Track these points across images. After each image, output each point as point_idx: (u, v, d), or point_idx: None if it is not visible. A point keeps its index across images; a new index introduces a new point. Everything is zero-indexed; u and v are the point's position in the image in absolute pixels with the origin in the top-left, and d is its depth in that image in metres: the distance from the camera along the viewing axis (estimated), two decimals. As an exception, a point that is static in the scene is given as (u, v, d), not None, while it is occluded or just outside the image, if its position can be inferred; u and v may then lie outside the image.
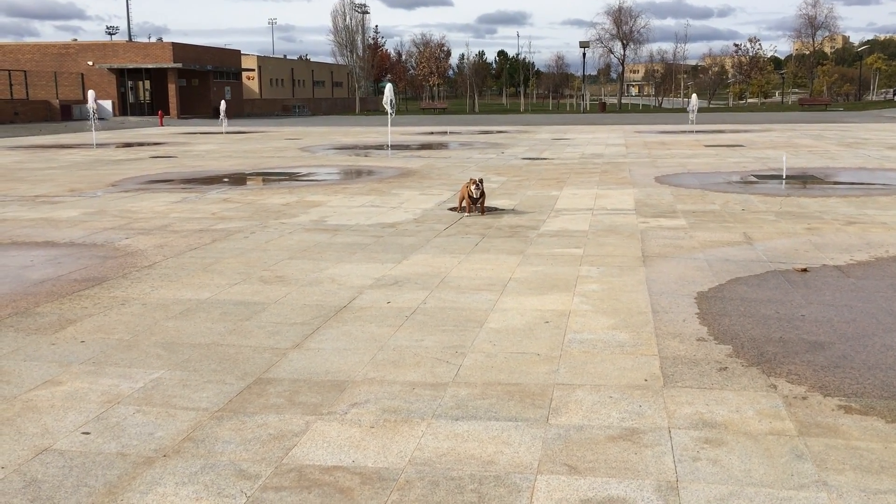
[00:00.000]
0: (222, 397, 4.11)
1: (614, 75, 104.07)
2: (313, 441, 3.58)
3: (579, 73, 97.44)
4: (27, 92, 52.43)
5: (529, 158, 19.70)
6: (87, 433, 3.67)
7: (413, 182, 14.37)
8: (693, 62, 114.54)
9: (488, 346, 4.89)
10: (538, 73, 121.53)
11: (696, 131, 31.48)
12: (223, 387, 4.26)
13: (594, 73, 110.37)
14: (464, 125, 41.18)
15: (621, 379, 4.31)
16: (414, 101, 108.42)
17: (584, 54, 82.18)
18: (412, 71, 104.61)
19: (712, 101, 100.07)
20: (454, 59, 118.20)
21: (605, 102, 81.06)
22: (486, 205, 10.45)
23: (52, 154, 22.30)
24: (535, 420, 3.79)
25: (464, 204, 10.41)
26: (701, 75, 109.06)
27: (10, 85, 50.99)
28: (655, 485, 3.15)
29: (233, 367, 4.57)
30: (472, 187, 10.19)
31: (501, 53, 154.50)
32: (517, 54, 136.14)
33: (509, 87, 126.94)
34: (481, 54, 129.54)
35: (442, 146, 25.44)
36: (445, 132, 33.98)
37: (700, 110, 41.16)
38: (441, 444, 3.54)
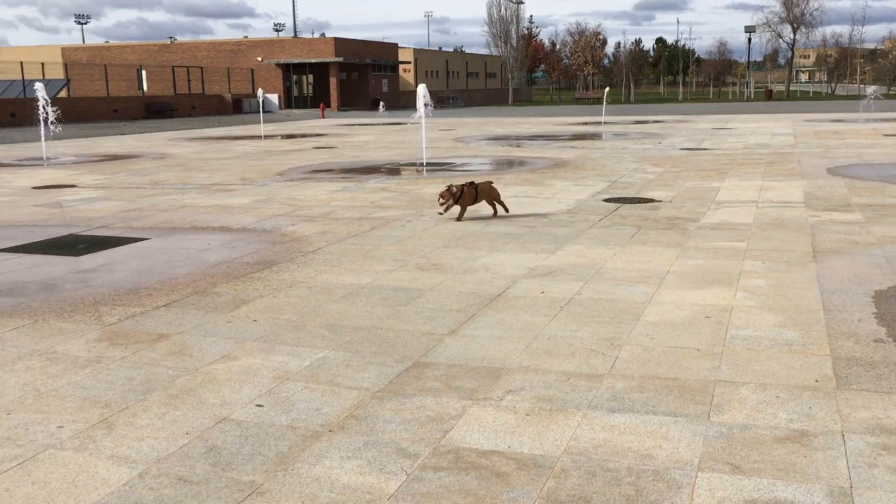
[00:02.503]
0: (382, 378, 4.26)
1: (782, 61, 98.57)
2: (469, 425, 3.65)
3: (743, 60, 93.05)
4: (203, 87, 56.15)
5: (688, 149, 19.04)
6: (261, 406, 3.92)
7: (567, 172, 14.24)
8: (872, 46, 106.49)
9: (645, 340, 4.79)
10: (698, 60, 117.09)
11: (875, 119, 29.30)
12: (383, 368, 4.42)
13: (760, 58, 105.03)
14: (619, 115, 40.33)
15: (789, 379, 4.11)
16: (568, 91, 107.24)
17: (750, 39, 78.34)
18: (566, 61, 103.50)
19: (893, 88, 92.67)
20: (609, 48, 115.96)
21: (771, 90, 76.79)
22: (645, 196, 10.05)
23: (224, 145, 23.79)
24: (696, 416, 3.68)
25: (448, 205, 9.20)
26: (880, 60, 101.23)
27: (188, 80, 54.79)
28: (827, 489, 2.99)
29: (392, 349, 4.73)
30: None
31: (660, 40, 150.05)
32: (676, 41, 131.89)
33: (667, 75, 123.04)
34: (638, 42, 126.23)
35: (595, 136, 25.05)
36: (600, 122, 33.43)
37: (880, 97, 38.35)
38: (597, 435, 3.51)
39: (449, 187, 9.14)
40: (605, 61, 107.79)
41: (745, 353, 4.51)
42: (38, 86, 18.93)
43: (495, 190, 9.51)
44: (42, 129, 18.94)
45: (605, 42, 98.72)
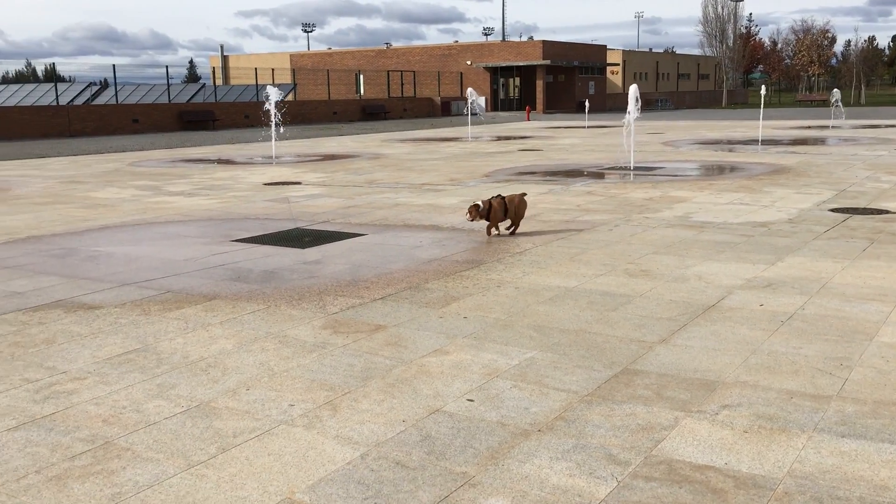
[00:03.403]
0: (591, 383, 4.24)
1: None
2: (682, 437, 3.55)
3: None
4: (415, 90, 58.43)
5: (930, 155, 17.26)
6: (472, 400, 4.03)
7: (787, 180, 13.40)
8: None
9: (880, 362, 4.42)
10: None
11: None
12: (591, 373, 4.39)
13: None
14: (848, 118, 37.31)
15: None
16: (788, 92, 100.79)
17: None
18: (788, 61, 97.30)
19: None
20: (838, 46, 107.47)
21: None
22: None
23: (434, 146, 24.61)
24: (941, 450, 3.34)
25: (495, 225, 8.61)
26: None
27: (401, 84, 57.25)
28: None
29: (600, 354, 4.69)
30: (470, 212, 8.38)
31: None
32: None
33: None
34: (871, 39, 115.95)
35: (819, 141, 23.35)
36: (826, 126, 31.12)
37: None
38: (824, 459, 3.29)
39: (476, 205, 8.42)
40: (833, 61, 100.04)
41: None
42: (270, 90, 20.54)
43: (525, 205, 8.78)
44: (272, 129, 20.56)
45: (833, 40, 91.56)
